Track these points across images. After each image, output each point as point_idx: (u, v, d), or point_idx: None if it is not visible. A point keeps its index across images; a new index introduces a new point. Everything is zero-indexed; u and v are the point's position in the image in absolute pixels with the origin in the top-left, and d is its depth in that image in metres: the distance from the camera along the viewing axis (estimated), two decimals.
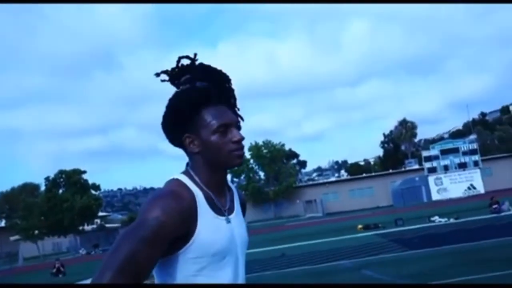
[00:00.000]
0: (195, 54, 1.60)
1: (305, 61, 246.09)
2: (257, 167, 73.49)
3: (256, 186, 70.32)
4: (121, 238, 1.33)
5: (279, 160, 73.96)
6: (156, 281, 1.50)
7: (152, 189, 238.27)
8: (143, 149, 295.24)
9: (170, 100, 1.58)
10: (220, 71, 1.61)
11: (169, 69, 1.60)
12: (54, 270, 21.41)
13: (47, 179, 51.69)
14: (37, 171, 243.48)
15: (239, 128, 1.55)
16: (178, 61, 1.58)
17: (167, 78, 1.61)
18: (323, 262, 12.27)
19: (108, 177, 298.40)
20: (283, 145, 74.47)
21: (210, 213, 1.46)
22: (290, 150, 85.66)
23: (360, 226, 23.22)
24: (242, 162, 1.58)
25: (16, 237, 55.20)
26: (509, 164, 69.12)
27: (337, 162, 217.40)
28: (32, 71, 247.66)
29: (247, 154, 72.57)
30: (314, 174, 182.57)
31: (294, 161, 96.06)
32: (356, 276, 9.19)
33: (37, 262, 43.63)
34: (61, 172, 51.71)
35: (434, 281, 7.41)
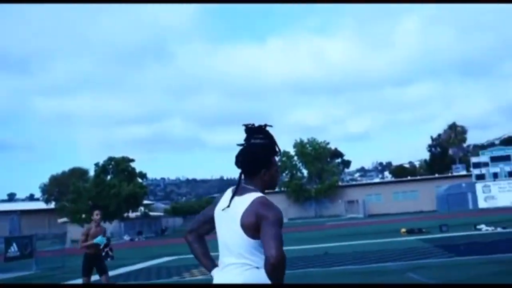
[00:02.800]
0: (265, 125, 2.64)
1: (354, 59, 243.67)
2: (300, 164, 73.48)
3: (299, 183, 70.41)
4: (276, 227, 2.36)
5: (323, 158, 73.75)
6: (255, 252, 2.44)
7: (194, 180, 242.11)
8: (187, 139, 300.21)
9: (257, 148, 2.58)
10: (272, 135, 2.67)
11: (250, 124, 2.63)
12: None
13: (96, 165, 53.30)
14: (86, 156, 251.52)
15: None
16: (252, 125, 2.63)
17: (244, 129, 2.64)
18: (367, 263, 12.40)
19: (152, 166, 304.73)
20: (328, 143, 74.26)
21: None
22: (335, 149, 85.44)
23: (403, 230, 23.07)
24: None
25: (64, 219, 57.32)
26: None
27: (381, 164, 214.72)
28: (87, 59, 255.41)
29: (292, 151, 72.78)
30: (357, 174, 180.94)
31: (338, 160, 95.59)
32: (401, 279, 9.32)
33: None
34: (110, 159, 53.23)
35: None
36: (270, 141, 2.61)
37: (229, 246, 2.51)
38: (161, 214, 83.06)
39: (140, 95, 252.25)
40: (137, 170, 55.23)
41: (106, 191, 50.35)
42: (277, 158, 2.69)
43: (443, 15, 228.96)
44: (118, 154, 54.42)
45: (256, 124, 2.62)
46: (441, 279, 8.68)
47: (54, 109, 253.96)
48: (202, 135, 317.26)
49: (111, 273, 15.28)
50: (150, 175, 65.68)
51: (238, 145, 2.65)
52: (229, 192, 2.65)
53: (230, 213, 2.51)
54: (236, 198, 2.52)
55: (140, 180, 56.19)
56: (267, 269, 2.31)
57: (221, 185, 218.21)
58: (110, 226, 59.06)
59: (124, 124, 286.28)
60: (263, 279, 2.36)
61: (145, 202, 70.78)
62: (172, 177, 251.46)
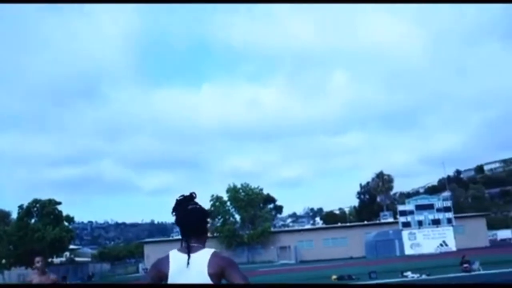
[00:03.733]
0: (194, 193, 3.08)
1: (287, 107, 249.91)
2: (233, 209, 73.38)
3: (231, 228, 70.08)
4: (240, 272, 2.85)
5: (255, 204, 74.08)
6: None
7: (124, 224, 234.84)
8: (118, 182, 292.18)
9: (200, 212, 3.03)
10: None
11: (181, 196, 3.03)
12: None
13: (20, 207, 50.94)
14: (9, 198, 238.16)
15: None
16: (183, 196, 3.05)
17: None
18: None
19: (80, 209, 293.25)
20: (261, 189, 74.80)
21: None
22: (267, 194, 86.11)
23: (334, 277, 23.49)
24: None
25: None
26: (481, 223, 70.41)
27: (312, 209, 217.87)
28: (14, 95, 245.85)
29: (225, 196, 72.69)
30: (289, 220, 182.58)
31: (271, 205, 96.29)
32: None
33: None
34: (35, 201, 51.08)
35: None
36: (201, 206, 3.07)
37: None
38: (88, 259, 79.84)
39: (69, 136, 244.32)
40: (64, 213, 53.23)
41: (29, 235, 48.05)
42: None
43: (370, 69, 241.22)
44: (44, 196, 52.49)
45: (186, 194, 3.06)
46: None
47: None
48: (133, 178, 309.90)
49: None
50: (77, 218, 63.37)
51: (174, 212, 3.01)
52: (174, 254, 2.95)
53: (193, 269, 2.85)
54: (192, 255, 2.87)
55: (66, 224, 54.08)
56: None
57: (152, 229, 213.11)
58: (32, 272, 56.03)
59: (51, 165, 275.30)
60: None
61: (71, 246, 67.90)
62: (100, 220, 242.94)
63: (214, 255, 2.86)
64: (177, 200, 3.00)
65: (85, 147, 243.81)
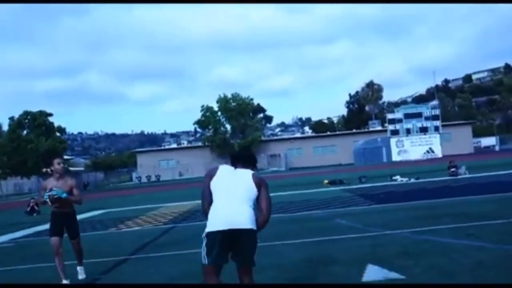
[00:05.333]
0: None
1: (276, 17, 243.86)
2: (224, 119, 73.97)
3: (222, 138, 71.12)
4: (269, 193, 4.02)
5: (246, 113, 74.61)
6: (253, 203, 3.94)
7: (114, 134, 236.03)
8: (106, 93, 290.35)
9: (248, 151, 4.74)
10: None
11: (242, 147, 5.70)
12: (28, 209, 21.86)
13: (11, 119, 50.92)
14: None
15: None
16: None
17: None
18: (296, 211, 13.25)
19: (69, 121, 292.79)
20: (251, 99, 75.05)
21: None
22: (257, 104, 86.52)
23: (326, 181, 24.40)
24: None
25: None
26: (467, 131, 72.01)
27: (301, 119, 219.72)
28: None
29: (215, 107, 72.99)
30: (278, 130, 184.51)
31: (261, 115, 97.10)
32: (330, 224, 10.18)
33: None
34: (26, 113, 50.97)
35: (399, 229, 8.43)
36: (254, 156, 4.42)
37: (240, 192, 3.88)
38: (81, 169, 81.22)
39: (54, 47, 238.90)
40: (55, 125, 53.38)
41: (22, 146, 48.42)
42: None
43: None
44: (33, 108, 52.23)
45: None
46: (365, 223, 9.59)
47: None
48: (121, 89, 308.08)
49: (39, 228, 15.23)
50: (67, 130, 63.48)
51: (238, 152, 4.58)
52: (226, 166, 4.15)
53: (240, 174, 4.02)
54: (237, 169, 4.11)
55: (58, 135, 54.40)
56: (259, 218, 3.89)
57: (142, 139, 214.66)
58: (29, 182, 57.23)
59: (38, 78, 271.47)
60: (254, 217, 3.82)
61: (64, 157, 68.71)
62: (90, 131, 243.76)
63: (254, 174, 4.05)
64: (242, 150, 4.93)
65: (71, 58, 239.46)
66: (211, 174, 4.01)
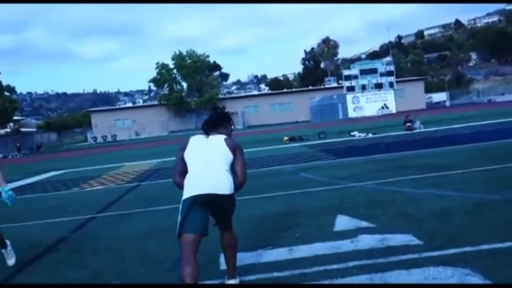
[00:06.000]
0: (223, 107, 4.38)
1: None
2: (179, 77, 72.95)
3: (179, 96, 70.30)
4: (243, 157, 3.91)
5: (202, 71, 73.78)
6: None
7: (65, 94, 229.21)
8: (54, 51, 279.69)
9: (224, 113, 4.17)
10: None
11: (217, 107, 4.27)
12: None
13: None
14: None
15: None
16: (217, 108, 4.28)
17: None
18: (262, 167, 13.41)
19: (17, 80, 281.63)
20: (207, 56, 74.14)
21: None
22: (213, 62, 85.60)
23: (286, 138, 24.67)
24: None
25: None
26: (420, 87, 73.78)
27: (256, 77, 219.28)
28: None
29: (171, 64, 71.74)
30: (234, 87, 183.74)
31: (217, 73, 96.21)
32: (296, 178, 10.39)
33: None
34: None
35: (364, 181, 8.71)
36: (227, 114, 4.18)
37: (216, 159, 3.74)
38: (33, 130, 78.91)
39: None
40: (4, 84, 51.43)
41: None
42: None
43: None
44: None
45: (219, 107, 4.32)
46: (330, 176, 9.84)
47: None
48: (71, 46, 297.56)
49: None
50: (16, 90, 61.34)
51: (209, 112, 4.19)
52: (197, 136, 3.96)
53: (213, 141, 3.86)
54: (210, 136, 3.90)
55: (8, 94, 52.55)
56: (236, 182, 3.79)
57: (95, 98, 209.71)
58: None
59: None
60: (232, 182, 3.73)
61: (15, 118, 66.62)
62: (40, 91, 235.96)
63: (227, 139, 3.90)
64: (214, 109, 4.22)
65: (16, 12, 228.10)
66: (183, 147, 3.89)
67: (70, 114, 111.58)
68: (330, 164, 12.54)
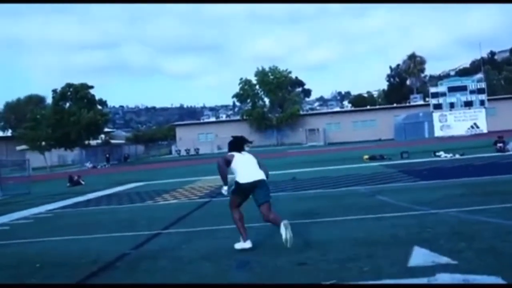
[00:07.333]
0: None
1: None
2: (262, 93, 73.39)
3: (261, 111, 70.67)
4: (260, 159, 6.55)
5: (284, 87, 73.79)
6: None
7: (154, 108, 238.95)
8: (145, 66, 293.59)
9: (242, 138, 6.84)
10: None
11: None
12: (75, 179, 22.33)
13: (54, 91, 51.81)
14: (40, 83, 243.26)
15: None
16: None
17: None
18: (336, 187, 12.81)
19: (110, 94, 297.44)
20: (289, 72, 74.05)
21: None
22: (296, 78, 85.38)
23: (366, 157, 23.79)
24: None
25: (23, 146, 56.23)
26: None
27: (339, 93, 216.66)
28: None
29: (253, 80, 72.42)
30: (316, 104, 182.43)
31: (299, 89, 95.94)
32: (371, 201, 9.72)
33: (44, 172, 44.81)
34: (69, 85, 51.75)
35: (447, 208, 7.90)
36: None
37: (254, 165, 6.28)
38: (123, 141, 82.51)
39: (94, 20, 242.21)
40: (97, 97, 54.11)
41: (66, 118, 49.30)
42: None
43: None
44: (74, 81, 52.99)
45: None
46: (409, 201, 9.09)
47: (1, 32, 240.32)
48: (161, 62, 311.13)
49: (81, 198, 15.32)
50: (109, 103, 64.46)
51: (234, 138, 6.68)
52: (238, 154, 6.33)
53: (248, 155, 6.39)
54: (245, 152, 6.43)
55: (100, 107, 55.19)
56: (265, 173, 6.32)
57: (182, 113, 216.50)
58: (72, 154, 58.51)
59: (79, 50, 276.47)
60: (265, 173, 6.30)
61: (106, 129, 69.90)
62: (131, 105, 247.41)
63: (252, 154, 6.45)
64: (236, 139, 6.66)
65: (111, 30, 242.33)
66: (229, 160, 6.26)
67: (157, 127, 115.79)
68: (411, 187, 11.70)
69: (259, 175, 6.12)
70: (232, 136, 6.56)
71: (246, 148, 6.52)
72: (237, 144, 6.43)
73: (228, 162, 6.19)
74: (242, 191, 6.14)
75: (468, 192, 9.66)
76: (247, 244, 6.02)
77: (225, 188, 6.24)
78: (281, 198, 11.51)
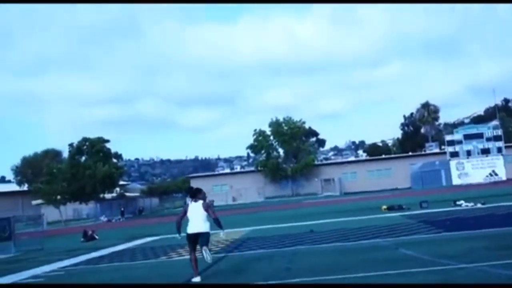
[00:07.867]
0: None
1: (326, 39, 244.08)
2: (276, 143, 73.47)
3: (275, 162, 70.51)
4: (212, 208, 9.08)
5: (298, 137, 73.87)
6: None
7: (169, 160, 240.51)
8: (160, 120, 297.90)
9: (197, 189, 9.13)
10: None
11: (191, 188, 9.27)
12: (89, 233, 22.07)
13: (71, 145, 52.34)
14: (57, 138, 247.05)
15: None
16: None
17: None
18: (356, 239, 12.41)
19: (125, 147, 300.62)
20: (303, 122, 74.34)
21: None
22: (309, 128, 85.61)
23: (384, 207, 23.29)
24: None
25: (39, 201, 56.34)
26: None
27: (354, 143, 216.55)
28: (53, 38, 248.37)
29: (267, 131, 72.71)
30: (331, 153, 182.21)
31: (313, 139, 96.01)
32: (393, 255, 9.32)
33: (59, 226, 44.65)
34: (85, 139, 52.28)
35: (475, 262, 7.51)
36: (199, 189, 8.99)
37: (198, 217, 8.42)
38: (137, 194, 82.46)
39: (109, 76, 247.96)
40: (112, 151, 54.49)
41: (81, 172, 49.50)
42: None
43: None
44: (90, 135, 53.62)
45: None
46: (434, 254, 8.70)
47: (20, 89, 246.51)
48: (174, 116, 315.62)
49: (96, 254, 15.04)
50: (124, 156, 64.91)
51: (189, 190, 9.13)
52: (192, 203, 8.57)
53: (197, 204, 8.54)
54: (197, 202, 8.63)
55: (115, 161, 55.46)
56: (215, 220, 8.58)
57: (196, 165, 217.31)
58: (87, 207, 58.47)
59: (94, 105, 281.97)
60: (207, 225, 8.51)
61: (121, 182, 70.07)
62: (146, 157, 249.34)
63: (204, 202, 8.60)
64: (190, 188, 8.93)
65: (125, 86, 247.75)
66: (185, 210, 8.51)
67: (171, 180, 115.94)
68: (434, 239, 11.26)
69: (200, 227, 8.25)
70: (191, 187, 8.91)
71: (198, 200, 8.47)
72: (191, 194, 8.61)
73: (184, 213, 8.48)
74: (188, 238, 8.38)
75: (494, 244, 9.25)
76: (197, 279, 8.31)
77: (179, 237, 8.65)
78: (299, 252, 11.15)
